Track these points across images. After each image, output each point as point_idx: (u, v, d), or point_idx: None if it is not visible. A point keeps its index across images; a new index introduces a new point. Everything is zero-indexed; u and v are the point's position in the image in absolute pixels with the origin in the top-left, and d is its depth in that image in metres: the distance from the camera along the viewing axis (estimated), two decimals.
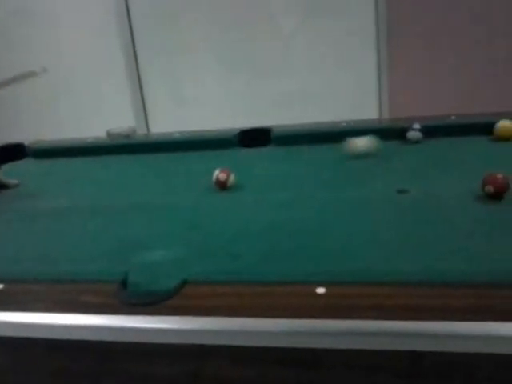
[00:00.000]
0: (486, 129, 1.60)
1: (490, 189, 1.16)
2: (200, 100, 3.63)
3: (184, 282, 0.88)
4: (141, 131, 3.53)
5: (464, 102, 3.29)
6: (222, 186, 1.38)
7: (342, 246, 1.02)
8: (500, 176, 1.16)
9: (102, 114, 3.57)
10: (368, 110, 3.45)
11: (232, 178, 1.39)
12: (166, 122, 3.64)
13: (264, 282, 0.87)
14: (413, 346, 0.74)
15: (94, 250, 1.11)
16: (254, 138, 1.80)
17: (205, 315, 0.80)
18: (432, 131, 1.61)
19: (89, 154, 1.88)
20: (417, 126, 1.58)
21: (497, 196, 1.16)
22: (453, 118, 1.68)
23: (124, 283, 0.91)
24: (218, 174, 1.39)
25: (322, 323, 0.77)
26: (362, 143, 1.49)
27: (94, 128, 2.28)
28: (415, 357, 0.75)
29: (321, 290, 0.82)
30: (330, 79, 3.44)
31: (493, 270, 0.86)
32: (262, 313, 0.79)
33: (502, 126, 1.54)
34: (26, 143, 1.98)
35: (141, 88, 3.63)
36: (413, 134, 1.58)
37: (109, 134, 2.01)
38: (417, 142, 1.58)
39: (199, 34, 3.50)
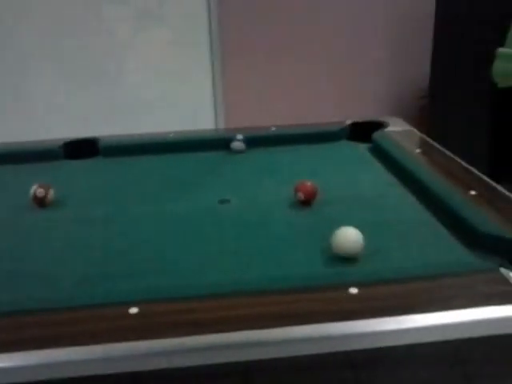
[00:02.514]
0: (303, 139, 1.74)
1: (300, 196, 1.27)
2: (30, 109, 3.41)
3: None
4: None
5: (296, 112, 3.55)
6: (40, 202, 1.31)
7: (157, 261, 1.04)
8: (309, 184, 1.28)
9: None
10: (205, 121, 3.54)
11: (51, 193, 1.33)
12: None
13: (77, 307, 0.85)
14: (230, 358, 0.77)
15: None
16: (80, 149, 1.73)
17: (11, 351, 0.75)
18: (254, 141, 1.70)
19: None
20: (240, 136, 1.66)
21: (306, 202, 1.27)
22: (273, 129, 1.80)
23: None
24: (36, 189, 1.32)
25: (136, 345, 0.76)
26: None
27: None
28: (244, 368, 0.78)
29: (134, 310, 0.82)
30: (166, 89, 3.46)
31: (298, 275, 0.94)
32: (75, 341, 0.77)
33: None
34: None
35: None
36: (236, 145, 1.66)
37: None
38: (240, 152, 1.66)
39: (30, 42, 3.29)
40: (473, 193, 1.18)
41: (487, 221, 1.04)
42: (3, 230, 1.22)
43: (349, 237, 1.00)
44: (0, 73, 3.32)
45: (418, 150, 1.49)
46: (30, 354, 0.75)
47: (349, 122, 1.81)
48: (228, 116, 3.58)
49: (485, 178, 1.27)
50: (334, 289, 0.87)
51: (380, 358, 0.82)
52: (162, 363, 0.77)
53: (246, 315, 0.81)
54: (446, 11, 2.86)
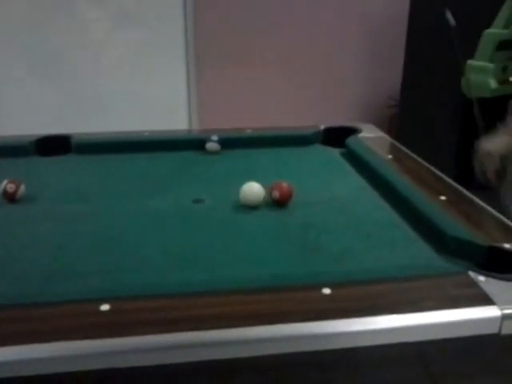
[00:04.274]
0: (277, 142, 1.76)
1: (276, 194, 1.28)
2: (3, 106, 3.33)
3: None
4: None
5: (269, 115, 3.57)
6: (11, 197, 1.29)
7: (130, 258, 1.03)
8: (285, 184, 1.29)
9: None
10: (179, 121, 3.53)
11: (22, 188, 1.30)
12: None
13: (47, 304, 0.83)
14: (199, 357, 0.77)
15: None
16: (53, 145, 1.70)
17: None
18: (229, 143, 1.70)
19: None
20: (215, 137, 1.66)
21: (281, 202, 1.28)
22: (249, 131, 1.81)
23: None
24: (6, 184, 1.29)
25: (106, 342, 0.76)
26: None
27: None
28: (209, 367, 0.78)
29: (105, 307, 0.81)
30: (140, 89, 3.43)
31: (271, 275, 0.95)
32: (43, 338, 0.76)
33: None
34: None
35: None
36: (211, 145, 1.66)
37: None
38: (215, 152, 1.66)
39: (4, 39, 3.22)
40: (442, 198, 1.21)
41: (456, 225, 1.07)
42: None
43: (252, 189, 1.27)
44: None
45: (389, 156, 1.52)
46: None
47: (322, 126, 1.83)
48: (202, 117, 3.58)
49: (454, 184, 1.31)
50: (307, 289, 0.88)
51: (350, 358, 0.83)
52: (132, 361, 0.76)
53: (217, 314, 0.82)
54: (418, 23, 2.94)
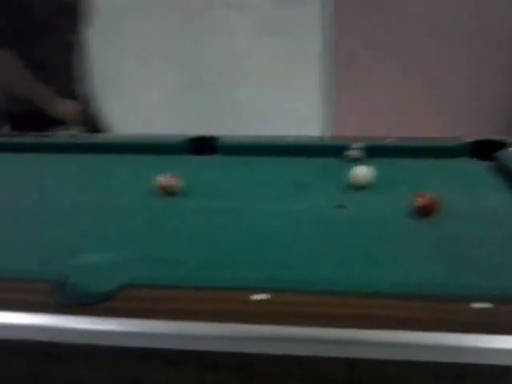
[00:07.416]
0: (420, 153, 1.71)
1: (419, 201, 1.25)
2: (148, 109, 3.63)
3: (123, 285, 0.90)
4: None
5: (406, 124, 3.48)
6: (169, 191, 1.40)
7: (278, 254, 1.08)
8: (429, 194, 1.26)
9: None
10: (310, 129, 3.57)
11: (180, 183, 1.41)
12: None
13: (203, 288, 0.90)
14: (349, 354, 0.79)
15: (32, 249, 1.12)
16: (202, 146, 1.82)
17: (142, 318, 0.82)
18: (371, 151, 1.69)
19: (30, 152, 1.83)
20: (357, 145, 1.67)
21: (424, 211, 1.24)
22: (389, 140, 1.78)
23: (61, 284, 0.90)
24: (166, 178, 1.40)
25: (259, 329, 0.80)
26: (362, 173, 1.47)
27: None
28: (351, 364, 0.80)
29: (262, 297, 0.86)
30: (276, 96, 3.54)
31: (420, 283, 0.94)
32: (201, 317, 0.82)
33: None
34: None
35: None
36: (353, 153, 1.66)
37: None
38: (356, 160, 1.66)
39: (156, 43, 3.53)
40: None
41: None
42: (134, 214, 1.32)
43: (361, 171, 1.46)
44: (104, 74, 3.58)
45: None
46: (159, 323, 0.82)
47: (468, 139, 1.74)
48: (334, 127, 3.58)
49: None
50: (460, 301, 0.85)
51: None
52: (279, 349, 0.80)
53: (365, 314, 0.83)
54: None
